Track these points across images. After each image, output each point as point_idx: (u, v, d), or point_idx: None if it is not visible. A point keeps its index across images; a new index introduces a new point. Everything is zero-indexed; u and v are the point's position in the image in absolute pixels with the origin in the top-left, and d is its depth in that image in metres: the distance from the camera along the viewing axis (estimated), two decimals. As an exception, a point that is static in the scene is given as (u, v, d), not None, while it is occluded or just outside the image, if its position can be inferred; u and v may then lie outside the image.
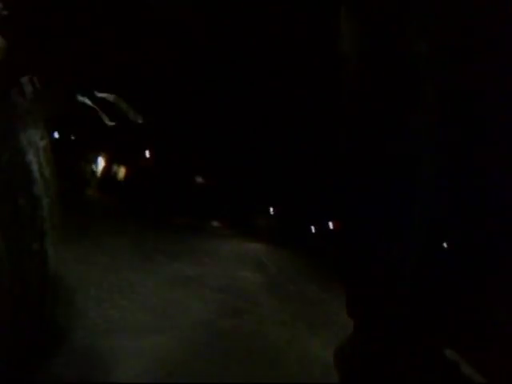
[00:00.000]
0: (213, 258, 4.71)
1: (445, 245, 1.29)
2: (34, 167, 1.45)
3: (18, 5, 1.14)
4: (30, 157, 1.44)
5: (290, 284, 4.22)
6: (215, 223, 8.48)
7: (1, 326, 1.25)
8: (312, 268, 5.15)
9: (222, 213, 8.88)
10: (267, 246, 6.21)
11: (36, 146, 1.51)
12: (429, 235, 1.34)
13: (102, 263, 3.49)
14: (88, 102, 1.38)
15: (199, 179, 9.87)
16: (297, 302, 3.65)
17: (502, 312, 1.39)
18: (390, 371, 1.34)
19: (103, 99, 1.58)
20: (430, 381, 1.33)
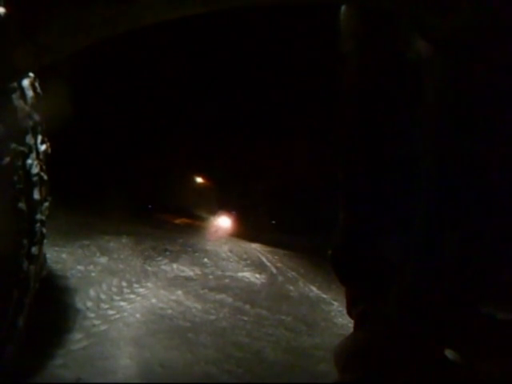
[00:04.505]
0: (212, 259, 4.70)
1: (446, 243, 1.29)
2: (34, 171, 1.45)
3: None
4: (31, 161, 1.44)
5: (290, 284, 4.20)
6: (215, 223, 8.48)
7: (0, 328, 1.25)
8: (312, 268, 5.14)
9: (221, 213, 8.89)
10: (267, 246, 6.21)
11: (36, 150, 1.52)
12: (429, 234, 1.33)
13: (102, 263, 3.49)
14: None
15: (199, 179, 9.89)
16: (296, 302, 3.64)
17: (502, 312, 1.38)
18: (390, 370, 1.34)
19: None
20: (429, 380, 1.33)
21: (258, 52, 6.81)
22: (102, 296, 2.72)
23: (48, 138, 1.70)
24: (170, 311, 2.72)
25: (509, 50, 1.13)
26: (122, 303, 2.69)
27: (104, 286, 2.90)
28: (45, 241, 1.65)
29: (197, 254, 4.77)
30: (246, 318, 2.87)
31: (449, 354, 1.35)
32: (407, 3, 1.20)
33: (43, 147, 1.60)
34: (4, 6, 1.12)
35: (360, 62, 1.56)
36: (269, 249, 6.06)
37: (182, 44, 6.60)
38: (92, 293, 2.72)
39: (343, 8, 1.55)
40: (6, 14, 1.12)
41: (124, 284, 3.08)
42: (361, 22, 1.52)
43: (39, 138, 1.56)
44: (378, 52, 1.48)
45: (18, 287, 1.30)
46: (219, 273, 4.14)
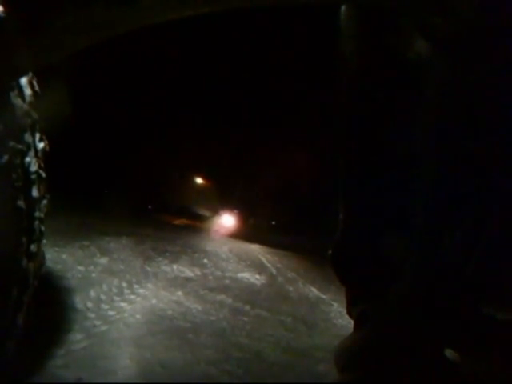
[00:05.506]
0: (212, 259, 4.71)
1: (446, 243, 1.29)
2: (33, 169, 1.45)
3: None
4: (29, 158, 1.44)
5: (290, 285, 4.21)
6: (215, 224, 8.49)
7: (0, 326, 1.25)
8: (311, 269, 5.14)
9: (221, 214, 8.90)
10: (267, 247, 6.21)
11: (35, 147, 1.52)
12: (430, 234, 1.34)
13: (102, 264, 3.49)
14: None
15: (199, 180, 9.89)
16: (296, 303, 3.64)
17: (502, 312, 1.38)
18: (390, 370, 1.34)
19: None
20: (429, 380, 1.33)
21: (258, 52, 6.81)
22: (103, 297, 2.72)
23: (47, 138, 1.70)
24: (170, 312, 2.72)
25: (509, 50, 1.13)
26: (123, 304, 2.69)
27: (104, 287, 2.90)
28: (44, 241, 1.65)
29: (197, 255, 4.77)
30: (245, 319, 2.87)
31: (449, 354, 1.35)
32: (407, 3, 1.20)
33: (41, 145, 1.60)
34: (3, 5, 1.12)
35: (360, 63, 1.56)
36: (269, 249, 6.07)
37: (183, 43, 6.61)
38: (92, 293, 2.72)
39: (343, 8, 1.56)
40: (5, 14, 1.12)
41: (124, 285, 3.08)
42: (361, 22, 1.52)
43: (37, 135, 1.56)
44: (378, 52, 1.48)
45: (17, 285, 1.30)
46: (219, 273, 4.14)
